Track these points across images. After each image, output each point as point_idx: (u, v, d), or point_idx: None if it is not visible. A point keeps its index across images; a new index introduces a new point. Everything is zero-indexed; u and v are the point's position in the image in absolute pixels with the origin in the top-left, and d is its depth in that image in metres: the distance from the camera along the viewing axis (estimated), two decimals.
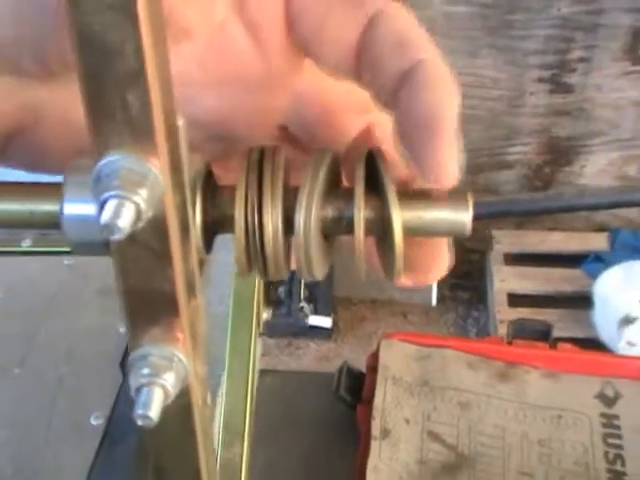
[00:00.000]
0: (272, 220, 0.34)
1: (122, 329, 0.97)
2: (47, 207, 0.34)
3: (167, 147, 0.29)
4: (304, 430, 1.16)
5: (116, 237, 0.26)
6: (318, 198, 0.34)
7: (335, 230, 0.36)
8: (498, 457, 1.05)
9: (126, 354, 0.93)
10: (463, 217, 0.35)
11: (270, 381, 1.17)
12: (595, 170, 3.11)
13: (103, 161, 0.28)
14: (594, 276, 2.78)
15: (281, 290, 3.10)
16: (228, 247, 0.36)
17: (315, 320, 3.14)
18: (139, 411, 0.31)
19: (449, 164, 0.33)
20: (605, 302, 2.69)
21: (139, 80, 0.27)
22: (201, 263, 0.35)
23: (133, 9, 0.25)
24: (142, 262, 0.31)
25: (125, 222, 0.26)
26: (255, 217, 0.34)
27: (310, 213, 0.34)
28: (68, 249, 0.88)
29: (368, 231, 0.35)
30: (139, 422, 0.31)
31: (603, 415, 1.09)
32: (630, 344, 2.59)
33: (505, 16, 2.82)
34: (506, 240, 3.09)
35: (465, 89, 2.78)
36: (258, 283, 0.82)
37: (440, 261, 0.41)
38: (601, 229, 3.11)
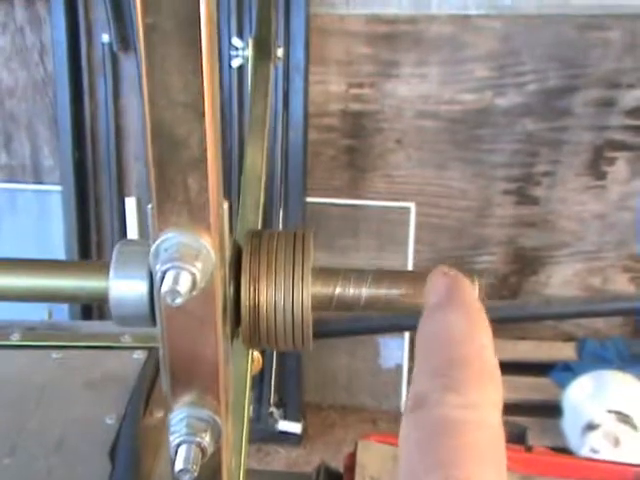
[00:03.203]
0: (268, 298, 0.38)
1: (110, 420, 0.99)
2: (94, 283, 0.38)
3: (217, 226, 0.33)
4: None
5: (177, 302, 0.30)
6: (309, 276, 0.38)
7: (325, 305, 0.40)
8: None
9: (115, 445, 0.94)
10: None
11: None
12: (561, 280, 3.18)
13: (162, 237, 0.32)
14: (563, 385, 2.81)
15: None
16: None
17: (285, 426, 3.13)
18: (180, 466, 0.34)
19: None
20: (574, 411, 2.71)
21: (200, 167, 0.31)
22: (232, 334, 0.38)
23: (201, 107, 0.29)
24: (188, 329, 0.35)
25: (184, 289, 0.30)
26: (256, 297, 0.38)
27: (306, 290, 0.38)
28: (56, 343, 0.91)
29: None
30: (180, 477, 0.34)
31: None
32: (593, 451, 2.61)
33: (472, 131, 2.93)
34: None
35: (434, 199, 2.89)
36: (250, 380, 0.85)
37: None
38: (568, 339, 3.16)
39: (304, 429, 3.17)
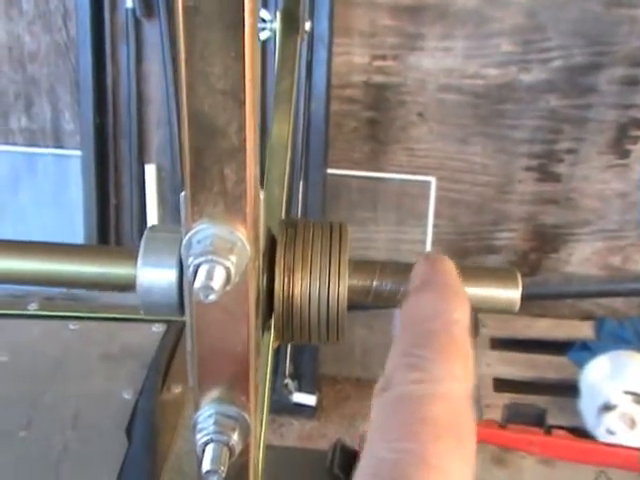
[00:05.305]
0: (302, 290, 0.36)
1: (127, 395, 0.98)
2: (122, 270, 0.36)
3: (253, 218, 0.31)
4: None
5: (210, 298, 0.29)
6: (346, 269, 0.37)
7: (361, 299, 0.39)
8: None
9: (132, 420, 0.93)
10: (512, 294, 0.37)
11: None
12: (581, 259, 3.15)
13: (195, 228, 0.30)
14: (580, 364, 2.79)
15: None
16: None
17: (299, 397, 3.13)
18: (207, 467, 0.33)
19: None
20: (591, 391, 2.69)
21: (238, 156, 0.29)
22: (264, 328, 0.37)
23: (241, 94, 0.28)
24: (219, 324, 0.33)
25: (218, 285, 0.29)
26: (290, 289, 0.36)
27: (343, 283, 0.37)
28: (73, 314, 0.89)
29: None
30: (208, 479, 0.33)
31: None
32: (609, 432, 2.59)
33: (495, 105, 2.90)
34: (492, 324, 3.11)
35: (455, 174, 2.86)
36: (272, 357, 0.84)
37: None
38: (587, 317, 3.14)
39: (319, 401, 3.17)
